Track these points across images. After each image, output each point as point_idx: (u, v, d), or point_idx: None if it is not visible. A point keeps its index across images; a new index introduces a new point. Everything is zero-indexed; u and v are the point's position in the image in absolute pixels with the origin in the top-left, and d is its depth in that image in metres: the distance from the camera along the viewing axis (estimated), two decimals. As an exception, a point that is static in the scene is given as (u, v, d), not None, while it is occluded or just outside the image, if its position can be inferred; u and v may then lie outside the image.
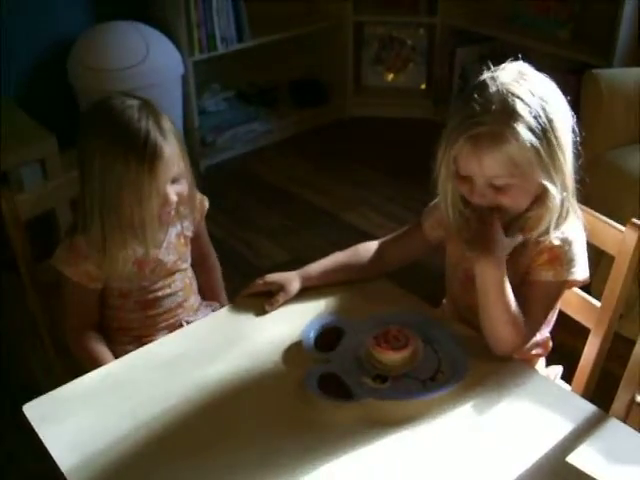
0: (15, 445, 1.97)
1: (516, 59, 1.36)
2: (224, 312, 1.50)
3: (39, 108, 3.05)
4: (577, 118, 1.35)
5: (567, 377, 1.58)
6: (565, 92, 1.35)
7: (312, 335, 1.38)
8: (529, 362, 1.50)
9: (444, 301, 1.61)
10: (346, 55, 3.99)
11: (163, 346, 1.43)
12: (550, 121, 1.27)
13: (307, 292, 1.51)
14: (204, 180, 3.49)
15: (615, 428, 1.21)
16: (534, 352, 1.51)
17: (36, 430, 1.24)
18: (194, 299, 1.70)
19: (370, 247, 1.57)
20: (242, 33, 3.51)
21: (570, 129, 1.31)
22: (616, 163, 2.43)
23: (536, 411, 1.24)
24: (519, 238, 1.35)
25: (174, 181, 1.47)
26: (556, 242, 1.33)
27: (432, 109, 3.94)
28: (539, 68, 1.33)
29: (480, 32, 3.71)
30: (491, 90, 1.27)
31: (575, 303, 1.50)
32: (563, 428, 1.20)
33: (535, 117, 1.25)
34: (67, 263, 1.51)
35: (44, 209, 1.71)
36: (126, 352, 1.45)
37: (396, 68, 4.17)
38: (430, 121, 3.85)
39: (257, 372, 1.33)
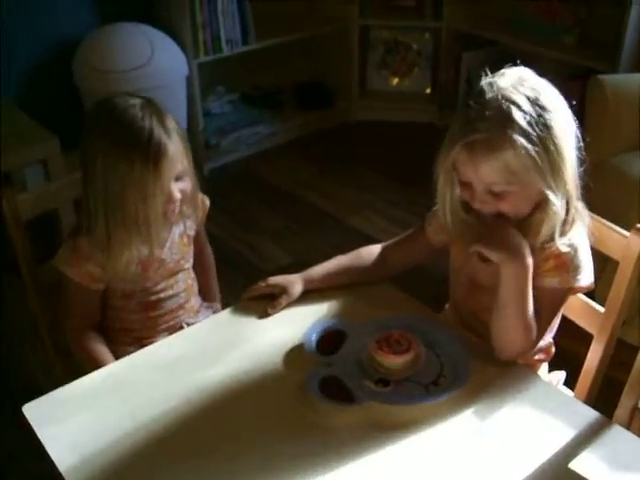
0: (15, 445, 1.96)
1: (519, 64, 1.35)
2: (225, 314, 1.50)
3: (41, 109, 3.05)
4: (582, 123, 1.34)
5: (570, 383, 1.57)
6: (570, 97, 1.34)
7: (314, 338, 1.37)
8: (532, 367, 1.49)
9: (447, 306, 1.60)
10: (351, 59, 3.98)
11: (164, 348, 1.43)
12: (548, 128, 1.25)
13: (310, 295, 1.50)
14: (208, 182, 3.50)
15: (618, 435, 1.20)
16: (537, 357, 1.51)
17: (35, 430, 1.24)
18: (195, 300, 1.69)
19: (373, 250, 1.56)
20: (247, 35, 3.50)
21: (572, 135, 1.30)
22: (621, 168, 2.42)
23: (538, 417, 1.23)
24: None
25: (178, 179, 1.47)
26: (563, 249, 1.32)
27: (437, 114, 3.94)
28: (544, 73, 1.33)
29: (486, 37, 3.70)
30: (487, 96, 1.26)
31: (578, 308, 1.49)
32: (566, 434, 1.20)
33: (531, 124, 1.24)
34: (69, 264, 1.51)
35: (46, 209, 1.70)
36: (127, 353, 1.45)
37: (401, 72, 4.17)
38: (435, 125, 3.85)
39: (258, 375, 1.32)
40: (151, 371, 1.36)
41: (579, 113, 1.35)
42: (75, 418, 1.26)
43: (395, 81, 4.19)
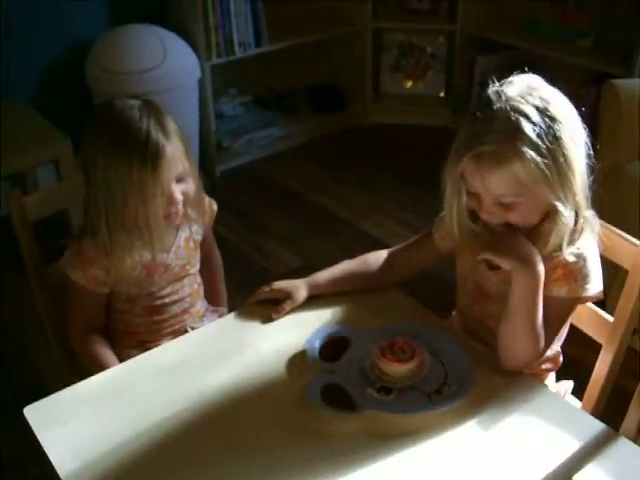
0: (18, 447, 1.95)
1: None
2: (229, 319, 1.49)
3: (54, 110, 3.06)
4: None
5: (578, 392, 1.55)
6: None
7: (317, 344, 1.36)
8: (539, 377, 1.47)
9: (454, 313, 1.58)
10: (365, 61, 3.97)
11: (166, 352, 1.42)
12: (558, 139, 1.23)
13: (314, 300, 1.49)
14: (219, 184, 3.51)
15: (624, 447, 1.18)
16: (544, 367, 1.49)
17: (36, 433, 1.23)
18: (200, 305, 1.69)
19: (380, 256, 1.55)
20: (260, 37, 3.49)
21: (582, 144, 1.27)
22: (634, 175, 2.39)
23: (543, 427, 1.21)
24: None
25: (179, 180, 1.46)
26: (571, 258, 1.30)
27: (451, 117, 3.91)
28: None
29: (500, 40, 3.67)
30: (495, 107, 1.23)
31: (587, 317, 1.47)
32: (571, 446, 1.17)
33: (540, 136, 1.21)
34: (74, 267, 1.51)
35: (55, 210, 1.70)
36: (131, 356, 1.45)
37: (415, 75, 4.15)
38: (449, 129, 3.82)
39: (260, 380, 1.31)
40: (153, 375, 1.35)
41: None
42: (76, 422, 1.25)
43: (409, 84, 4.17)
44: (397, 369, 1.27)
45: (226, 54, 3.41)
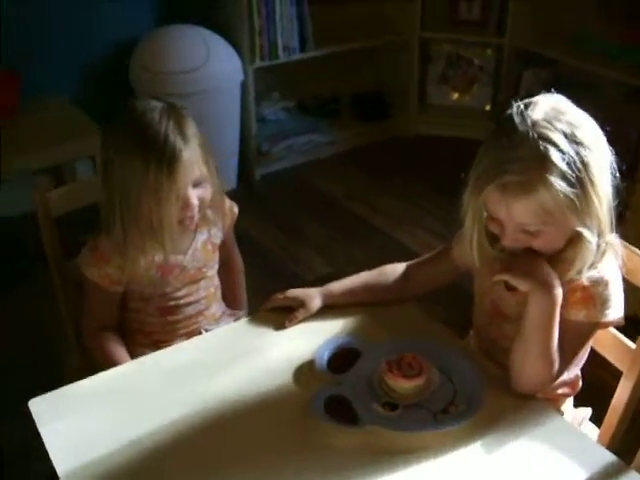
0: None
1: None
2: (241, 324, 1.48)
3: (97, 108, 3.09)
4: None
5: (598, 418, 1.50)
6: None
7: (326, 355, 1.34)
8: (555, 402, 1.43)
9: (471, 332, 1.55)
10: (411, 71, 3.93)
11: (174, 353, 1.41)
12: (586, 165, 1.18)
13: (328, 310, 1.47)
14: (258, 188, 3.51)
15: (634, 482, 1.13)
16: (560, 391, 1.44)
17: (38, 427, 1.23)
18: (216, 308, 1.68)
19: (397, 269, 1.52)
20: (305, 43, 3.48)
21: (608, 167, 1.23)
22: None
23: (551, 455, 1.17)
24: None
25: (196, 185, 1.46)
26: (591, 281, 1.25)
27: (495, 131, 3.84)
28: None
29: (548, 55, 3.60)
30: (521, 133, 1.18)
31: (608, 342, 1.42)
32: (577, 476, 1.13)
33: (569, 164, 1.16)
34: (89, 264, 1.52)
35: (81, 205, 1.70)
36: (143, 354, 1.45)
37: (462, 87, 4.10)
38: (492, 143, 3.76)
39: (265, 388, 1.30)
40: (159, 376, 1.34)
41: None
42: (79, 418, 1.25)
43: (455, 96, 4.13)
44: (403, 385, 1.24)
45: (270, 58, 3.40)
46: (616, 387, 1.44)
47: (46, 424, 1.24)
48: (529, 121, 1.19)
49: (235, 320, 1.66)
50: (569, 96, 1.27)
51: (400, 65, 3.95)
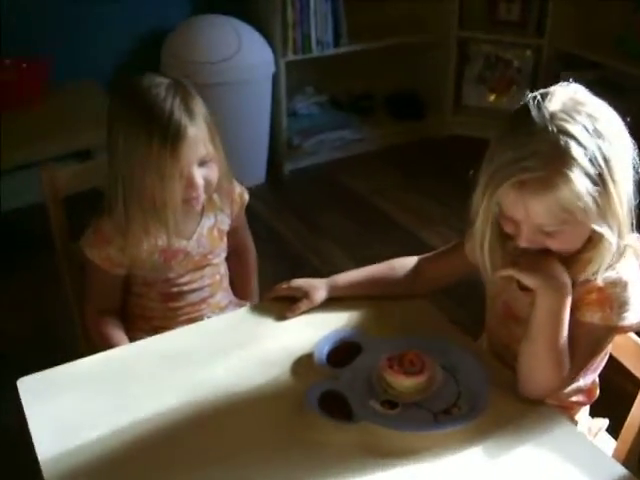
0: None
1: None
2: (242, 312, 1.43)
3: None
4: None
5: (615, 430, 1.41)
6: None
7: (326, 348, 1.28)
8: (569, 410, 1.35)
9: (484, 335, 1.47)
10: (448, 71, 3.86)
11: (172, 338, 1.37)
12: (607, 161, 1.10)
13: (333, 302, 1.41)
14: (287, 182, 3.47)
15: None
16: (575, 399, 1.36)
17: (24, 407, 1.20)
18: (221, 296, 1.63)
19: (408, 262, 1.46)
20: (339, 37, 3.44)
21: (630, 161, 1.15)
22: None
23: (556, 465, 1.10)
24: None
25: (202, 164, 1.41)
26: (608, 282, 1.18)
27: (532, 135, 3.75)
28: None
29: (589, 58, 3.50)
30: (539, 127, 1.10)
31: (628, 349, 1.34)
32: (582, 488, 1.06)
33: (591, 160, 1.09)
34: (90, 245, 1.49)
35: (90, 186, 1.68)
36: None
37: (499, 89, 4.01)
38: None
39: (260, 379, 1.25)
40: (153, 361, 1.30)
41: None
42: (67, 402, 1.21)
43: (492, 98, 4.04)
44: (402, 382, 1.18)
45: (302, 52, 3.36)
46: (635, 395, 1.36)
47: (32, 405, 1.20)
48: (547, 113, 1.11)
49: (241, 310, 1.61)
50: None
51: (436, 64, 3.88)
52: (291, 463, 1.10)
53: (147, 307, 1.57)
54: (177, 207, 1.41)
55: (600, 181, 1.10)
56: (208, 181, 1.43)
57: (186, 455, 1.12)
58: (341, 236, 3.08)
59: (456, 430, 1.13)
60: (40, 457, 1.11)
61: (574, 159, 1.08)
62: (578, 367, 1.21)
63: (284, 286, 1.43)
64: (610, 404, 1.42)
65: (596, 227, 1.13)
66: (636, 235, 1.21)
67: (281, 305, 1.41)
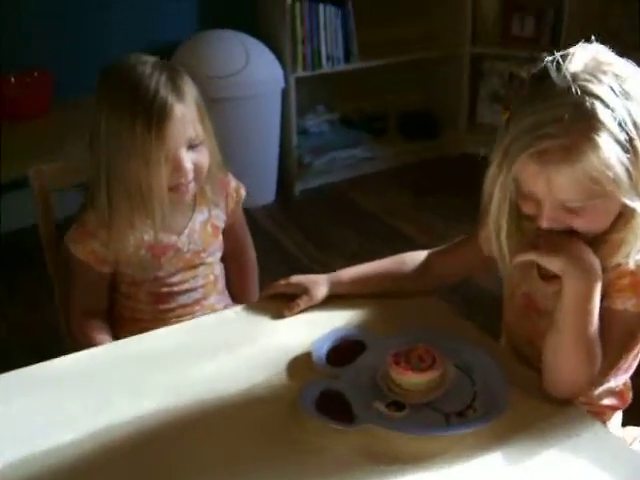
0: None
1: None
2: (236, 310, 1.32)
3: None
4: None
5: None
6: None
7: (325, 347, 1.16)
8: (600, 416, 1.20)
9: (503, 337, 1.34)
10: (461, 88, 3.76)
11: (158, 338, 1.26)
12: (637, 126, 0.99)
13: (336, 300, 1.29)
14: (298, 201, 3.39)
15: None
16: (606, 402, 1.22)
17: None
18: (216, 299, 1.51)
19: (417, 256, 1.35)
20: (350, 53, 3.35)
21: None
22: None
23: (586, 472, 0.96)
24: None
25: (191, 147, 1.31)
26: None
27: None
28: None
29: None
30: (560, 89, 0.99)
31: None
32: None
33: (620, 123, 0.97)
34: (74, 240, 1.39)
35: (79, 182, 1.58)
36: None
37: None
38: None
39: (254, 380, 1.13)
40: (135, 361, 1.19)
41: None
42: (28, 404, 1.10)
43: (507, 116, 3.92)
44: (410, 379, 1.05)
45: (312, 67, 3.27)
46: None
47: (-3, 405, 1.08)
48: (568, 74, 1.00)
49: (238, 314, 1.50)
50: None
51: (449, 81, 3.79)
52: (287, 472, 0.98)
53: (136, 309, 1.46)
54: (164, 196, 1.30)
55: (631, 148, 0.98)
56: (198, 167, 1.32)
57: (167, 463, 0.99)
58: (351, 254, 2.97)
59: (471, 433, 1.00)
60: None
61: (601, 122, 0.97)
62: (611, 362, 1.08)
63: (283, 282, 1.31)
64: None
65: (628, 201, 1.00)
66: None
67: (279, 303, 1.29)
